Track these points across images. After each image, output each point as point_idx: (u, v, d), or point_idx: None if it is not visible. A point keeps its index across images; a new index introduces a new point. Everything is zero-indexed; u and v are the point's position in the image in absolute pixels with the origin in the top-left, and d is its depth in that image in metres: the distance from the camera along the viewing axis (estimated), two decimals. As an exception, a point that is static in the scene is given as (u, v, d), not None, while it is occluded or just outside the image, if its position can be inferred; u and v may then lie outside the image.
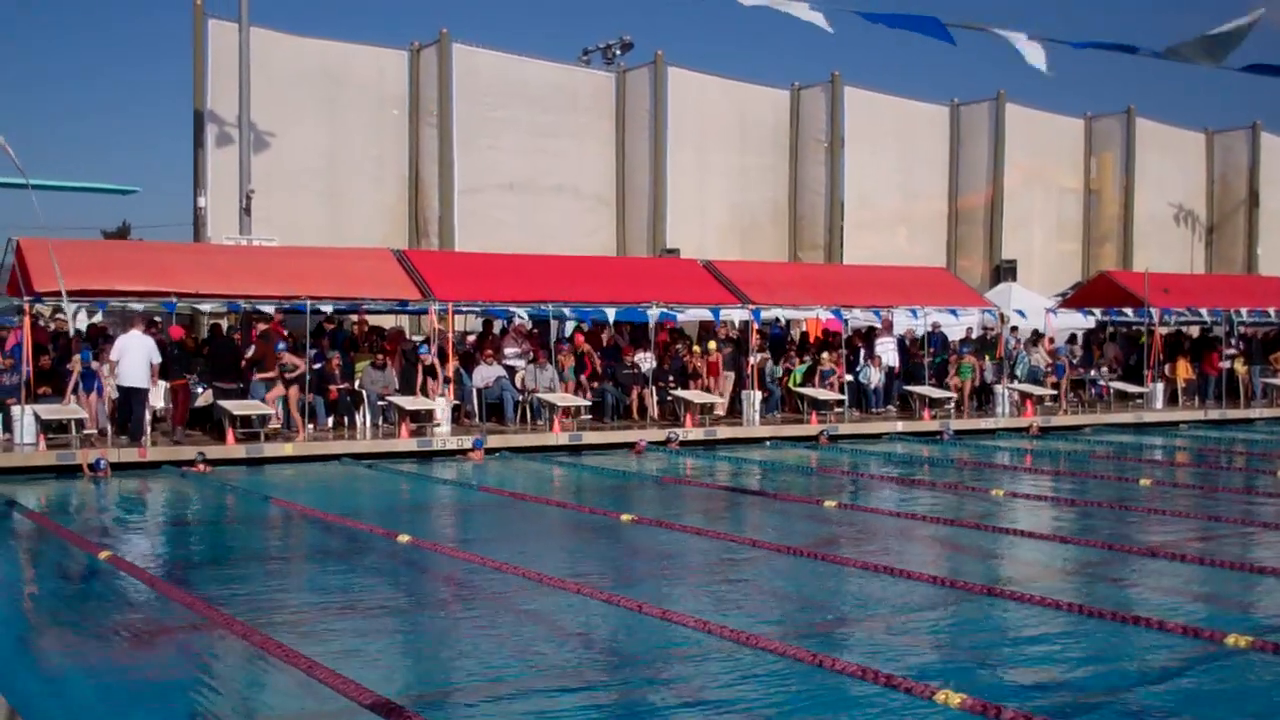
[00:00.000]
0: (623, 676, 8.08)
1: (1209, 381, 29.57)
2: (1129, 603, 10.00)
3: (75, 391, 19.18)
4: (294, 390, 20.36)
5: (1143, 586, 10.73)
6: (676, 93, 34.09)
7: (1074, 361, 28.98)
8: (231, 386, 20.17)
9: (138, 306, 19.81)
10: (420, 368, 21.61)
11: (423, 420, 21.05)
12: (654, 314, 23.14)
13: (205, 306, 20.53)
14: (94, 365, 19.41)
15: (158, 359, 19.10)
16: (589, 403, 22.73)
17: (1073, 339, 30.07)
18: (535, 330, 24.84)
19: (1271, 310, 31.01)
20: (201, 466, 18.31)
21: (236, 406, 19.71)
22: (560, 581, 10.02)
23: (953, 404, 25.61)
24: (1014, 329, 27.72)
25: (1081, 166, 41.98)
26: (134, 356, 18.95)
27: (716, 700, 7.44)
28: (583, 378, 23.23)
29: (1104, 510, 14.78)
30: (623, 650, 8.69)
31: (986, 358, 27.29)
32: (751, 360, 24.07)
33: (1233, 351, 29.89)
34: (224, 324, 23.99)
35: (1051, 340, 28.84)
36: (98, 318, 23.93)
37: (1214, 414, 27.98)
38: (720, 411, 23.91)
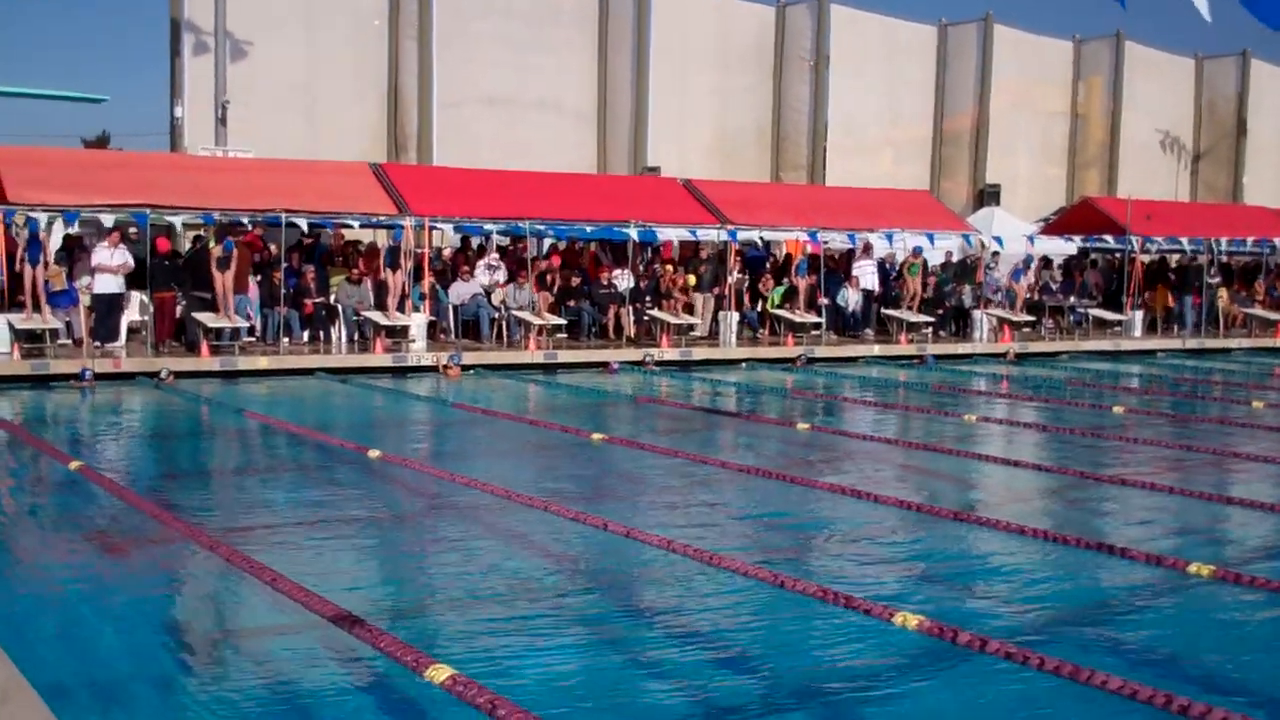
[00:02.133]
0: (586, 593, 8.11)
1: (1188, 310, 29.65)
2: (1095, 530, 10.03)
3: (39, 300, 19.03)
4: (226, 277, 20.10)
5: (1110, 514, 10.80)
6: (659, 7, 33.58)
7: (1053, 288, 29.00)
8: (207, 296, 20.07)
9: (108, 218, 19.63)
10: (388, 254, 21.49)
11: (398, 336, 20.97)
12: (632, 233, 23.01)
13: (179, 219, 20.33)
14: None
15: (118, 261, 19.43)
16: (565, 321, 22.67)
17: (1047, 264, 30.03)
18: (512, 248, 24.69)
19: (1249, 240, 30.99)
20: (168, 378, 18.24)
21: (210, 319, 19.63)
22: (529, 498, 10.01)
23: (930, 329, 25.63)
24: (995, 254, 27.66)
25: (1069, 90, 41.65)
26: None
27: (677, 619, 7.48)
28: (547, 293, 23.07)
29: (1076, 437, 14.82)
30: (587, 568, 8.72)
31: (966, 284, 27.29)
32: (729, 281, 24.01)
33: (1214, 280, 29.93)
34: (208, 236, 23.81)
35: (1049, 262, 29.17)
36: (74, 228, 23.70)
37: (1192, 343, 28.06)
38: (699, 333, 23.90)
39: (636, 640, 7.15)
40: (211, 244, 20.35)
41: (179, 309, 20.42)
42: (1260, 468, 12.73)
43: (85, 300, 19.65)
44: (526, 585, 8.17)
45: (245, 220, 21.08)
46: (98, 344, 19.34)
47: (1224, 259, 31.90)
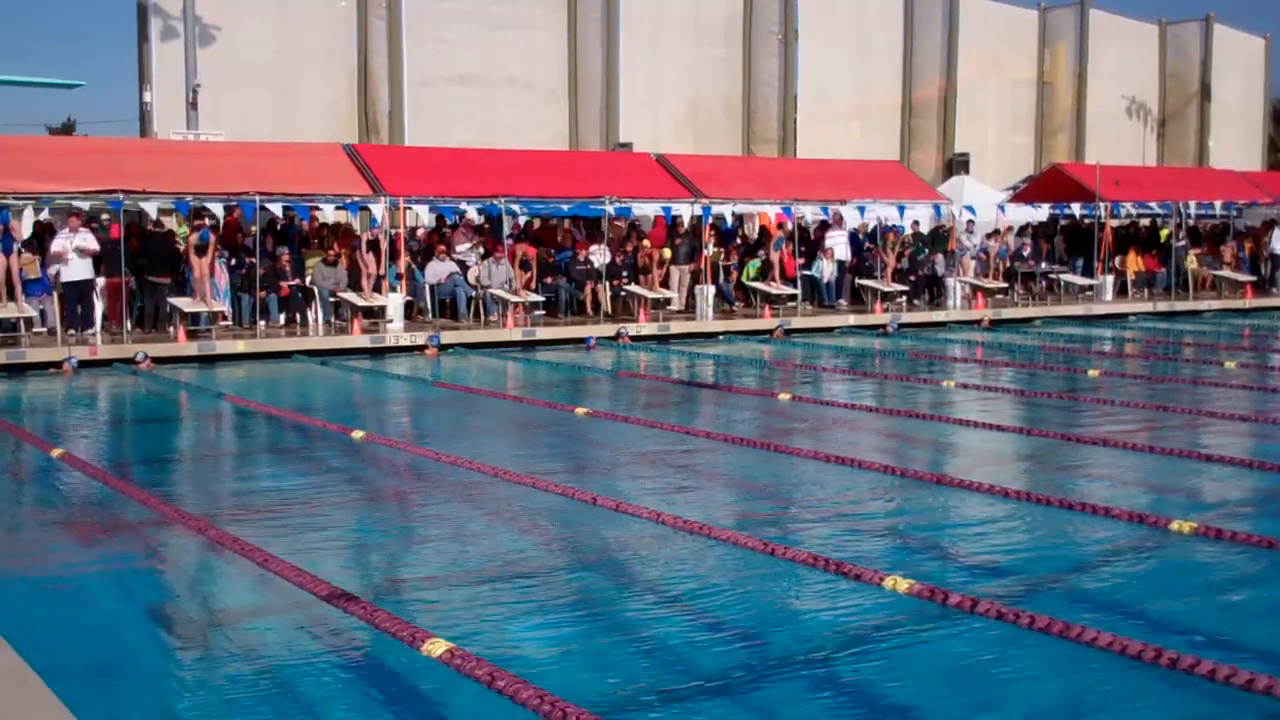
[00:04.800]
0: (578, 567, 8.16)
1: (1156, 274, 29.88)
2: (1076, 491, 10.15)
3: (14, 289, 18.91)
4: (203, 262, 20.07)
5: (1090, 475, 10.90)
6: (629, -19, 33.49)
7: (1024, 254, 29.16)
8: (165, 281, 20.01)
9: (82, 205, 19.52)
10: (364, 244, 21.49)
11: (375, 316, 20.95)
12: (608, 209, 23.03)
13: (151, 204, 20.22)
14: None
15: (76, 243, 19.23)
16: (542, 299, 22.68)
17: (1022, 230, 30.18)
18: (487, 225, 24.67)
19: (1217, 204, 31.23)
20: (146, 364, 18.20)
21: (186, 304, 19.57)
22: (516, 475, 10.06)
23: (904, 298, 25.76)
24: (969, 223, 27.78)
25: (1035, 58, 41.73)
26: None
27: (670, 589, 7.54)
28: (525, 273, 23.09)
29: (1053, 401, 14.97)
30: (579, 541, 8.77)
31: (939, 252, 27.41)
32: (704, 254, 24.05)
33: (1182, 244, 30.15)
34: (171, 222, 23.67)
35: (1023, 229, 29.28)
36: (44, 215, 23.56)
37: (1162, 306, 28.30)
38: (675, 307, 23.95)
39: (630, 610, 7.21)
40: (187, 231, 20.28)
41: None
42: (1236, 425, 12.92)
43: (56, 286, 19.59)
44: (519, 559, 8.23)
45: (219, 206, 20.96)
46: (71, 331, 19.25)
47: (1191, 222, 32.14)
